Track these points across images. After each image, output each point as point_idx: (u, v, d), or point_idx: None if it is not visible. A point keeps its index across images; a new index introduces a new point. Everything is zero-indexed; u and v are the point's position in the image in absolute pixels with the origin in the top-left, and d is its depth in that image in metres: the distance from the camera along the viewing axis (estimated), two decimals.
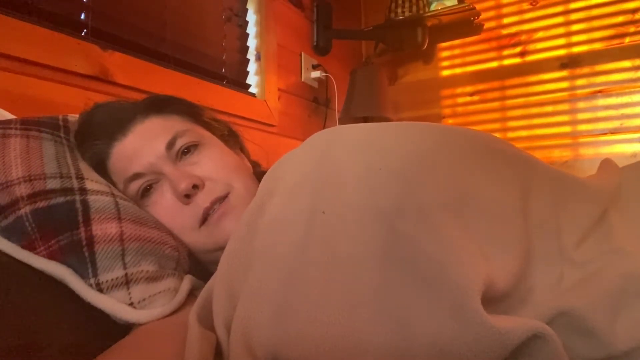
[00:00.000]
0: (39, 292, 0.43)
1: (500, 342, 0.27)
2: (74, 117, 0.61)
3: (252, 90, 1.37)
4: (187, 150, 0.58)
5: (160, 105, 0.61)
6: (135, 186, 0.56)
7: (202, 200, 0.54)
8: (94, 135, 0.57)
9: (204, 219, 0.54)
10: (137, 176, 0.55)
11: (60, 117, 0.59)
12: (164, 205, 0.55)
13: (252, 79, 1.39)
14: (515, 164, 0.42)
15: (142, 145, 0.56)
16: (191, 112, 0.64)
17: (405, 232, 0.32)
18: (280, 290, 0.32)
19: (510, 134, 1.71)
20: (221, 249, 0.54)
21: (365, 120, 1.65)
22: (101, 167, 0.57)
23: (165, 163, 0.56)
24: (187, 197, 0.54)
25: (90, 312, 0.44)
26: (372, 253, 0.31)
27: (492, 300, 0.32)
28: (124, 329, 0.45)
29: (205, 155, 0.58)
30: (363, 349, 0.29)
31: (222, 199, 0.55)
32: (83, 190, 0.49)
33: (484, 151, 0.42)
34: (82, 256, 0.45)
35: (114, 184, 0.56)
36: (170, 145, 0.57)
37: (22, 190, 0.46)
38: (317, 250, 0.33)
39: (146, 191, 0.56)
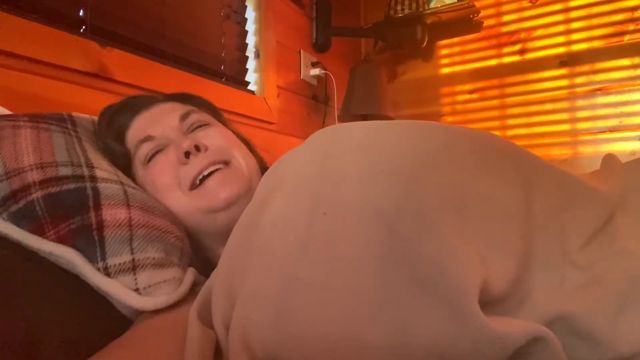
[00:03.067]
0: (40, 287, 0.43)
1: (499, 346, 0.27)
2: (77, 115, 0.63)
3: (251, 87, 1.37)
4: (198, 127, 0.62)
5: (182, 97, 0.69)
6: (145, 149, 0.59)
7: (200, 162, 0.56)
8: (120, 111, 0.62)
9: (195, 179, 0.56)
10: (149, 138, 0.59)
11: (65, 113, 0.61)
12: (163, 164, 0.58)
13: (251, 77, 1.38)
14: (518, 165, 0.41)
15: (159, 116, 0.61)
16: (210, 107, 0.71)
17: (404, 233, 0.31)
18: (280, 290, 0.32)
19: (510, 132, 1.71)
20: (207, 212, 0.56)
21: (365, 118, 1.64)
22: (120, 139, 0.61)
23: (175, 132, 0.60)
24: (187, 156, 0.56)
25: (91, 308, 0.44)
26: (372, 254, 0.31)
27: (489, 303, 0.31)
28: (124, 325, 0.45)
29: (215, 131, 0.62)
30: (363, 350, 0.29)
31: (222, 163, 0.57)
32: (93, 178, 0.50)
33: (487, 151, 0.41)
34: (91, 240, 0.45)
35: (128, 153, 0.60)
36: (183, 117, 0.61)
37: (34, 176, 0.47)
38: (318, 251, 0.33)
39: (153, 156, 0.59)
